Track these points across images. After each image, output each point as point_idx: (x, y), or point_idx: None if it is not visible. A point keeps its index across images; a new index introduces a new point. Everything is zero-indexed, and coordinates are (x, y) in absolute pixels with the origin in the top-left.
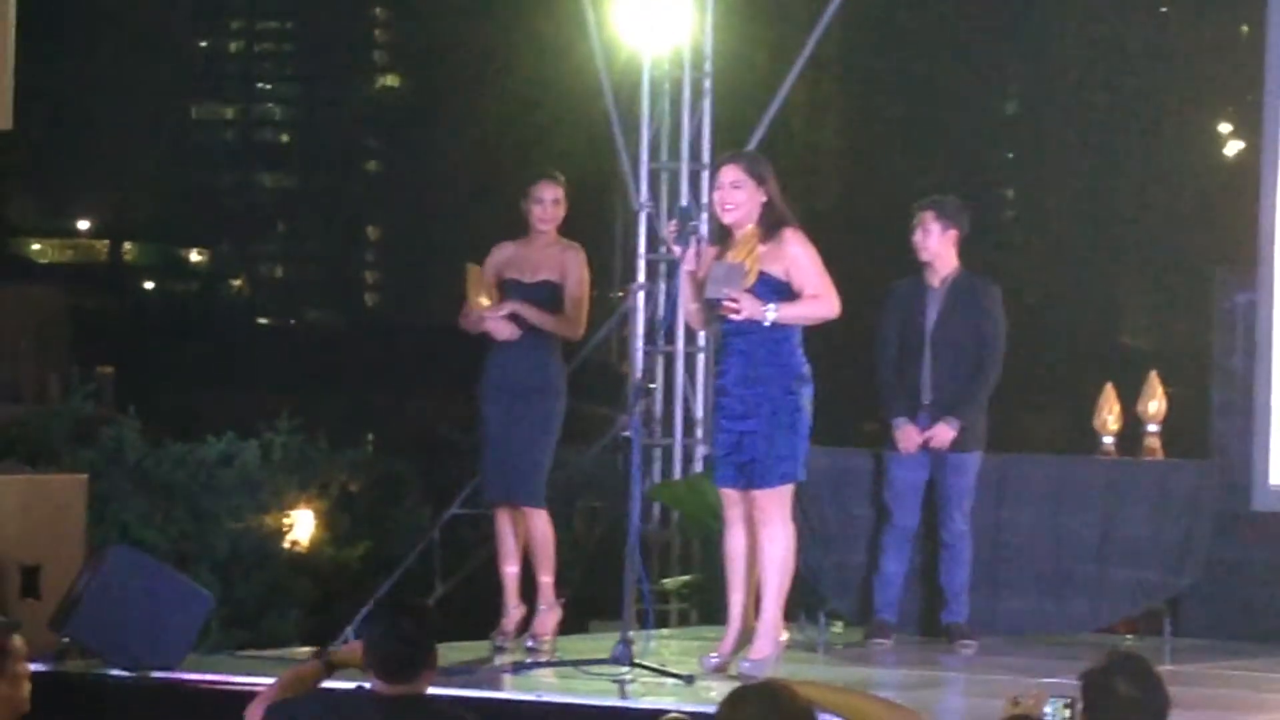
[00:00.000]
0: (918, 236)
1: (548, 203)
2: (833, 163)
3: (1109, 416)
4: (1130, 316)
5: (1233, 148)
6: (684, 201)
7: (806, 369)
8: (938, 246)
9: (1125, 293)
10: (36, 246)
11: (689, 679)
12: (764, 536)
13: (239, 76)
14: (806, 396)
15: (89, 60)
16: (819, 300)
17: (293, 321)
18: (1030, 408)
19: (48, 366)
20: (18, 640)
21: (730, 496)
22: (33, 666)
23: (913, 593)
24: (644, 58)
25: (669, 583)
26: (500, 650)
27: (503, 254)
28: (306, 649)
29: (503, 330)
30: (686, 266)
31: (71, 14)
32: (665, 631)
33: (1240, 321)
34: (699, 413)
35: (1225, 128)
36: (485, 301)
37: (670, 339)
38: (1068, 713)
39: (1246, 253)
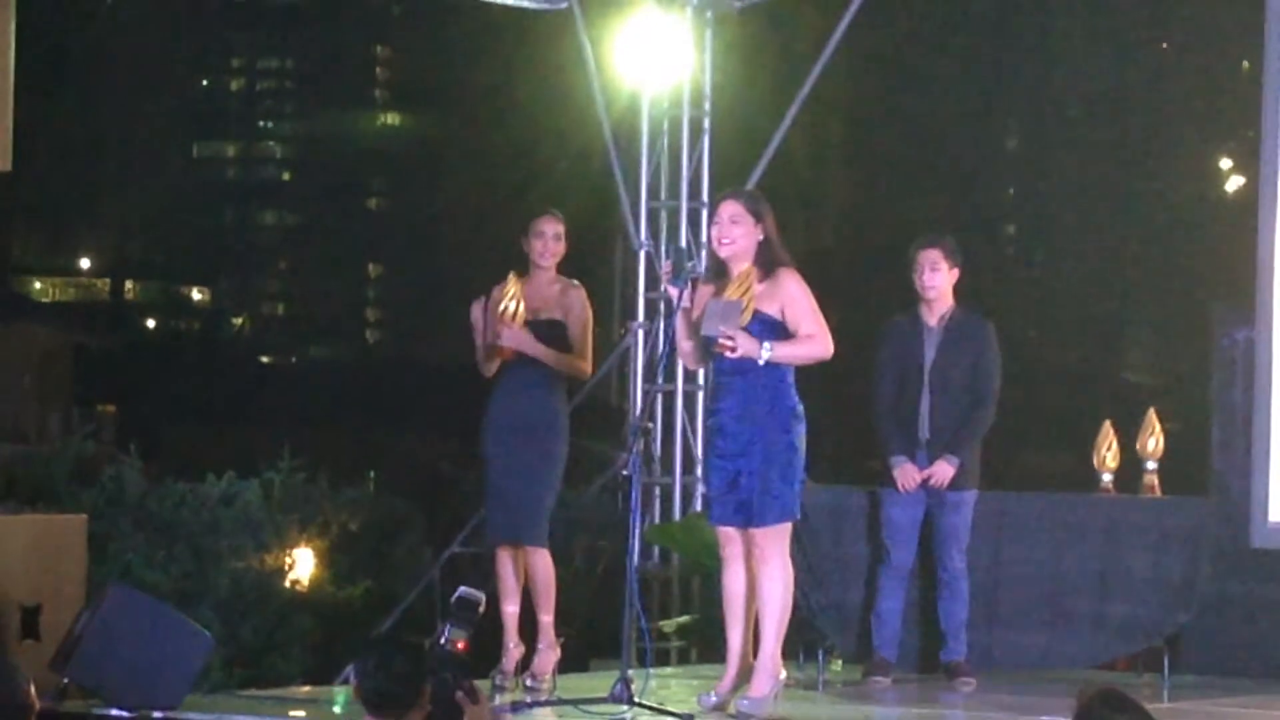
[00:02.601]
0: (926, 275)
1: (548, 237)
2: (833, 200)
3: (1108, 453)
4: (1130, 353)
5: (1233, 183)
6: (683, 240)
7: (800, 407)
8: (943, 284)
9: (1125, 329)
10: (38, 285)
11: (688, 718)
12: (763, 574)
13: (240, 114)
14: (800, 434)
15: (90, 99)
16: (813, 340)
17: (294, 359)
18: (1029, 445)
19: (49, 405)
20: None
21: (728, 534)
22: None
23: (911, 630)
24: (643, 96)
25: (666, 625)
26: (499, 689)
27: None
28: (307, 688)
29: (515, 339)
30: (682, 305)
31: (72, 53)
32: (665, 670)
33: (1239, 358)
34: (698, 451)
35: (1226, 163)
36: (513, 308)
37: (669, 377)
38: None
39: (1246, 289)
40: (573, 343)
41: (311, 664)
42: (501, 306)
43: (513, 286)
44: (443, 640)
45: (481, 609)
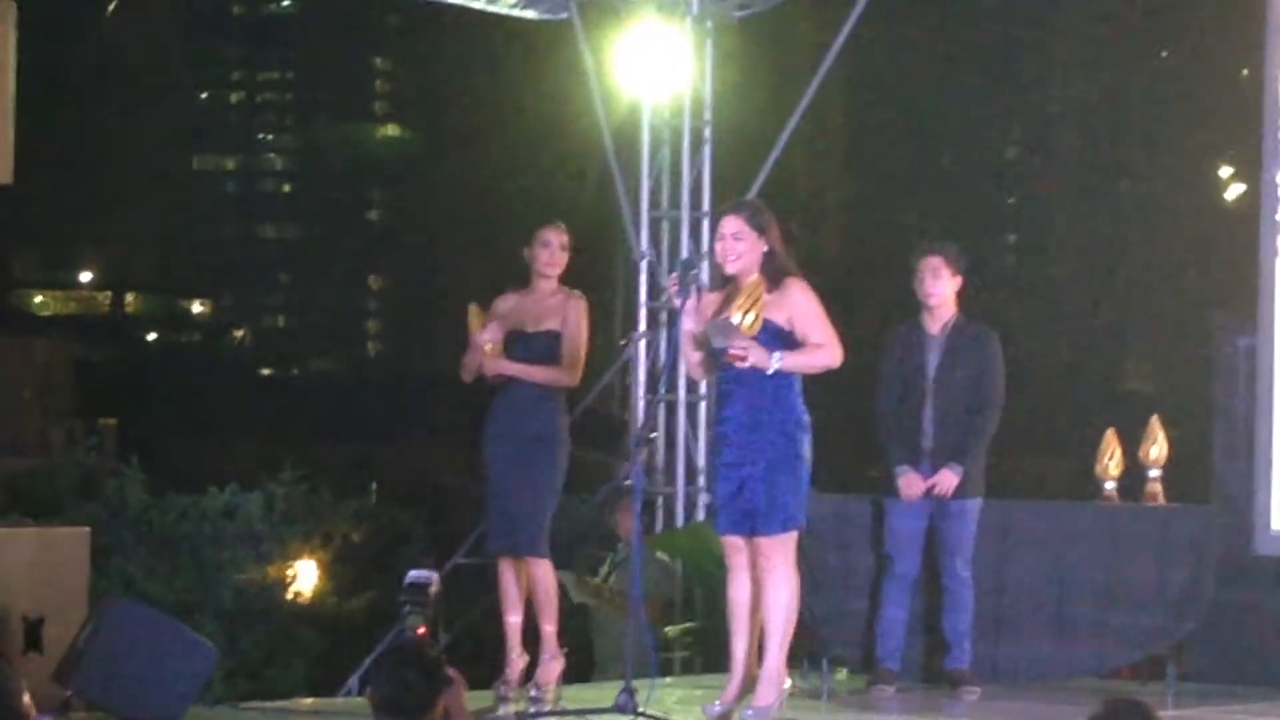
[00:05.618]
0: (928, 282)
1: (554, 247)
2: (834, 209)
3: (1111, 462)
4: (1132, 361)
5: (1233, 191)
6: (684, 250)
7: (807, 417)
8: (946, 292)
9: (1127, 337)
10: (39, 299)
11: None
12: (769, 583)
13: (240, 127)
14: (806, 444)
15: (90, 113)
16: (822, 349)
17: (295, 372)
18: (1032, 453)
19: (50, 419)
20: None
21: (734, 544)
22: None
23: (915, 640)
24: (644, 106)
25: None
26: (504, 700)
27: (506, 305)
28: (310, 700)
29: (496, 368)
30: (688, 318)
31: (73, 68)
32: (668, 680)
33: (1242, 365)
34: (700, 461)
35: (1226, 171)
36: (489, 341)
37: (671, 387)
38: None
39: (1247, 296)
40: (564, 352)
41: (314, 676)
42: (487, 346)
43: (475, 320)
44: (403, 630)
45: (434, 589)
